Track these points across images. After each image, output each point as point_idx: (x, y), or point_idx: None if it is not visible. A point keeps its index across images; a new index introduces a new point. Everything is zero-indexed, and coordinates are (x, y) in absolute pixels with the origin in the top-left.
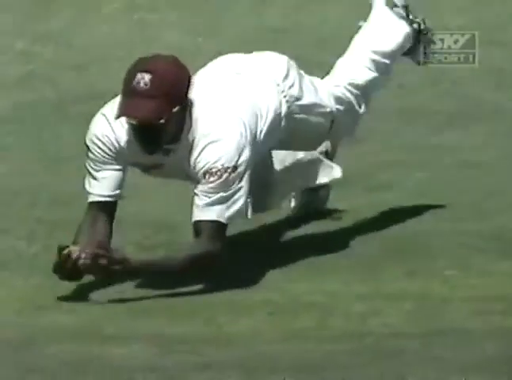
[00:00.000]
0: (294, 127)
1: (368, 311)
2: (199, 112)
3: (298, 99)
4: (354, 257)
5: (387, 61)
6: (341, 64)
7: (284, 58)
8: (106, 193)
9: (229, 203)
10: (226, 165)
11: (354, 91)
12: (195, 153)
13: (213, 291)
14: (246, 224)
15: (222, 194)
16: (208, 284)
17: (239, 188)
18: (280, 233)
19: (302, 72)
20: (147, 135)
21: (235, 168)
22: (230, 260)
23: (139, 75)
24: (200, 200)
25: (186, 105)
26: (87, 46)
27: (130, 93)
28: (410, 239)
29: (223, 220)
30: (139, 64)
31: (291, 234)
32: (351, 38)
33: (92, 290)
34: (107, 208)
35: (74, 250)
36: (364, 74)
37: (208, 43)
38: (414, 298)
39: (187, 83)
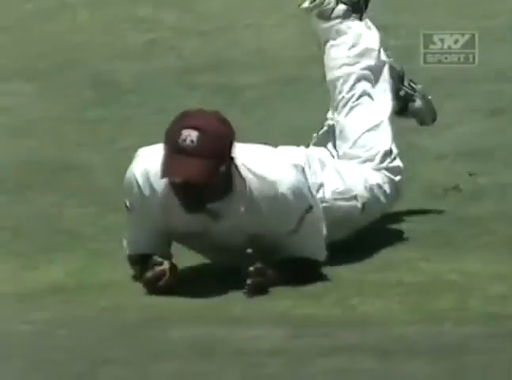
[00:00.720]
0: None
1: (509, 293)
2: (247, 170)
3: (321, 185)
4: (494, 235)
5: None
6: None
7: (301, 150)
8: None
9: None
10: (301, 212)
11: (387, 162)
12: (260, 215)
13: (342, 271)
14: None
15: (315, 237)
16: (336, 264)
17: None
18: (411, 208)
19: (325, 160)
20: (190, 193)
21: (311, 207)
22: (358, 238)
23: (185, 132)
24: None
25: (231, 163)
26: (212, 12)
27: (176, 150)
28: None
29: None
30: (184, 119)
31: (424, 209)
32: None
33: (216, 270)
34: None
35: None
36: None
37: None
38: None
39: (232, 139)
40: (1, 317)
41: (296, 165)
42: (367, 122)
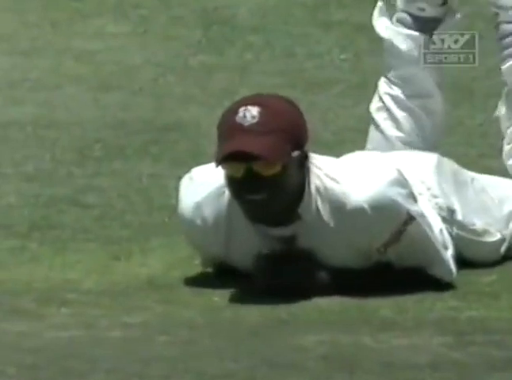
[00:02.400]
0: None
1: None
2: (324, 178)
3: (453, 212)
4: None
5: None
6: None
7: (434, 157)
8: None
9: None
10: (397, 225)
11: None
12: (343, 233)
13: None
14: None
15: (424, 251)
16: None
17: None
18: None
19: (467, 176)
20: (256, 183)
21: (411, 218)
22: None
23: (242, 109)
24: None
25: (305, 159)
26: None
27: (233, 130)
28: None
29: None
30: (239, 101)
31: None
32: None
33: None
34: None
35: None
36: None
37: None
38: None
39: (305, 125)
40: (87, 320)
41: (395, 177)
42: None
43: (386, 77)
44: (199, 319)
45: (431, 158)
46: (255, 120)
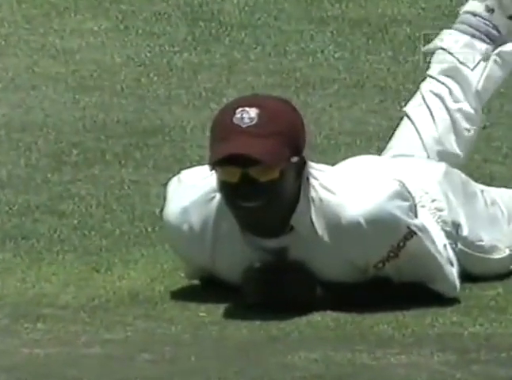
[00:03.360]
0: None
1: None
2: (319, 189)
3: (458, 226)
4: None
5: None
6: None
7: (442, 167)
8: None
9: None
10: (395, 240)
11: None
12: (338, 247)
13: None
14: None
15: (425, 267)
16: None
17: (438, 252)
18: None
19: (477, 188)
20: (251, 188)
21: (411, 233)
22: None
23: (239, 110)
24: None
25: (303, 166)
26: None
27: (230, 132)
28: None
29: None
30: (235, 102)
31: None
32: None
33: None
34: None
35: None
36: None
37: None
38: None
39: (304, 129)
40: (64, 336)
41: (395, 189)
42: None
43: (432, 76)
44: (184, 336)
45: (438, 168)
46: (253, 122)
